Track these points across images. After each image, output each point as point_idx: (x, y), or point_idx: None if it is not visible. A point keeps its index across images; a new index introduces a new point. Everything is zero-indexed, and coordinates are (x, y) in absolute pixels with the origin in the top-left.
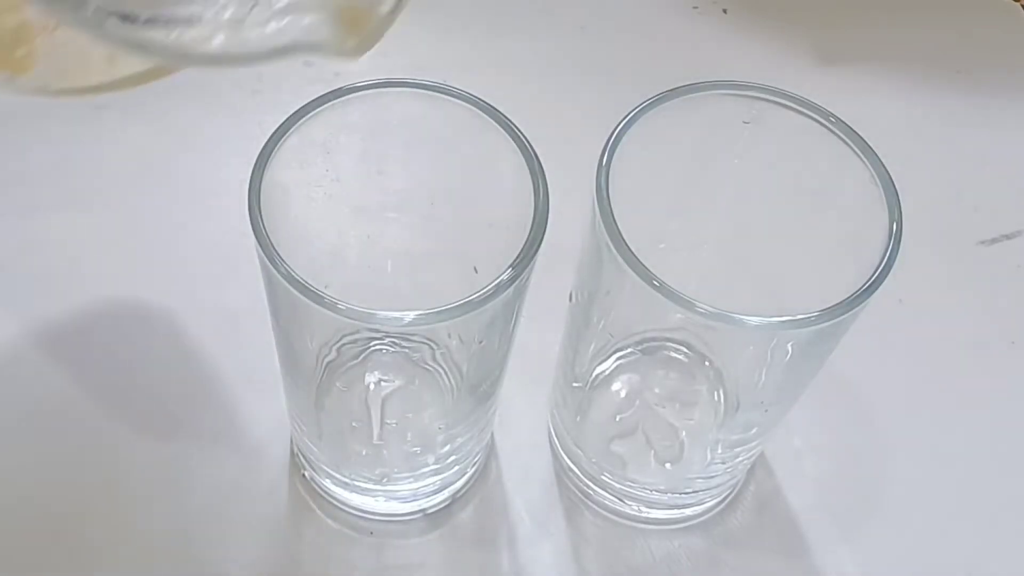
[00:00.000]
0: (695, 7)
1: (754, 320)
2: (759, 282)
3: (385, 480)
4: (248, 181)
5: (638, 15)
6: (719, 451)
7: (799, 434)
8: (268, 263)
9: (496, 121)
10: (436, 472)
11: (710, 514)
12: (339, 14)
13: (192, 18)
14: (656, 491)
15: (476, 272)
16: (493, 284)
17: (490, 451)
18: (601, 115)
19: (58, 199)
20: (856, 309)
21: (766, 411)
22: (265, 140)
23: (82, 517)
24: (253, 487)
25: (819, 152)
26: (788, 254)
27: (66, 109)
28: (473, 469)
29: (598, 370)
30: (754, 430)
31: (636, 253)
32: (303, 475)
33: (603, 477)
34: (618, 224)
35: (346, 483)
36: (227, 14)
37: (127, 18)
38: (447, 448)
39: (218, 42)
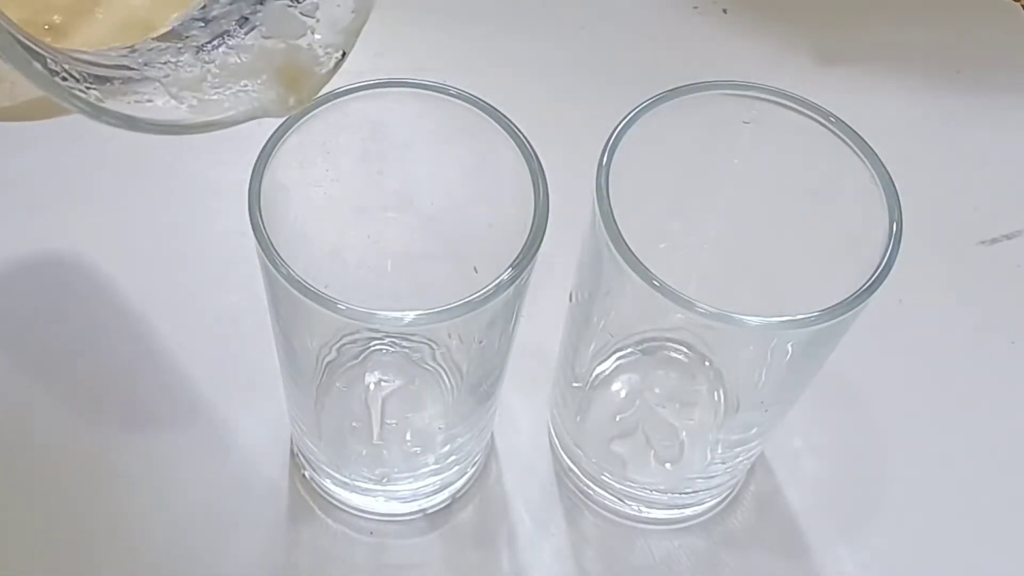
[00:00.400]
0: (695, 7)
1: (754, 320)
2: (759, 282)
3: (385, 480)
4: (248, 181)
5: (638, 15)
6: (719, 451)
7: (799, 434)
8: (268, 263)
9: (496, 121)
10: (436, 472)
11: (710, 514)
12: (280, 73)
13: (161, 77)
14: (656, 491)
15: (476, 272)
16: (493, 284)
17: (490, 451)
18: (601, 115)
19: (58, 199)
20: (856, 309)
21: (766, 411)
22: (265, 140)
23: (80, 517)
24: (253, 487)
25: (819, 152)
26: (788, 254)
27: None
28: (473, 469)
29: (598, 370)
30: (754, 430)
31: (636, 253)
32: (303, 475)
33: (603, 477)
34: (618, 224)
35: (346, 483)
36: (184, 73)
37: (100, 80)
38: (447, 448)
39: (183, 110)
